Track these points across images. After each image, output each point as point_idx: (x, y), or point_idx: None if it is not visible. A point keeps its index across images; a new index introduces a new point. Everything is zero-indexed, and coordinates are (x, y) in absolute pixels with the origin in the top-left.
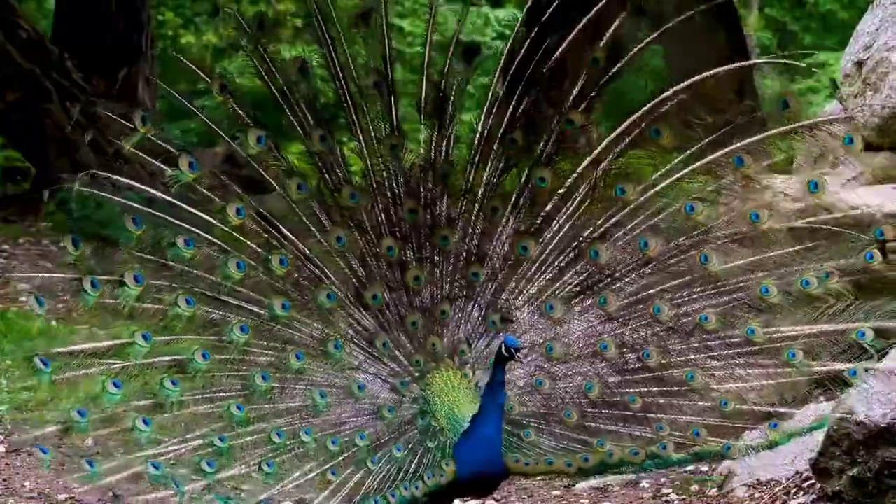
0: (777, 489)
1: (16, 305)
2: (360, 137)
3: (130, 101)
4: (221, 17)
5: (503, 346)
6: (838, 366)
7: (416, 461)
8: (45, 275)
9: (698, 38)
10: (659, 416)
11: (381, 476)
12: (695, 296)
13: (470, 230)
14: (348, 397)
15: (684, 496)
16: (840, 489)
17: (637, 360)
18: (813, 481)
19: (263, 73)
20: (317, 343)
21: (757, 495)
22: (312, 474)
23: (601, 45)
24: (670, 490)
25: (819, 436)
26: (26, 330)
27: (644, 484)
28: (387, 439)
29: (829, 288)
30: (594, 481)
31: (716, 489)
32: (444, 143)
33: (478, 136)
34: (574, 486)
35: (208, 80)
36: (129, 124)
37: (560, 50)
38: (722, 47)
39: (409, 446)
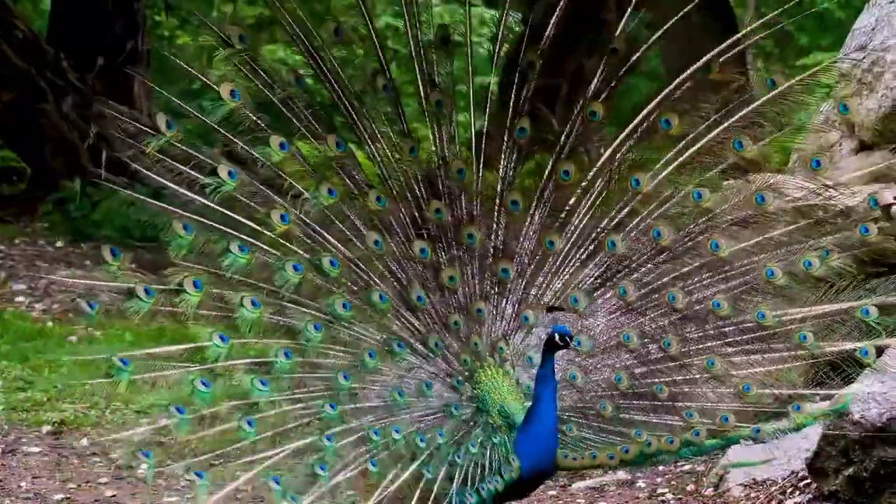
0: (773, 489)
1: (12, 306)
2: (370, 141)
3: (126, 101)
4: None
5: (555, 334)
6: (849, 345)
7: (488, 456)
8: (96, 283)
9: (694, 38)
10: (687, 403)
11: (465, 471)
12: (705, 282)
13: (495, 226)
14: (420, 396)
15: (680, 496)
16: (836, 489)
17: (659, 349)
18: (809, 481)
19: (259, 85)
20: (381, 343)
21: (753, 495)
22: (407, 473)
23: (617, 34)
24: (666, 490)
25: (815, 435)
26: (23, 330)
27: (640, 483)
28: (460, 435)
29: (830, 266)
30: (590, 481)
31: (712, 489)
32: (449, 140)
33: (484, 128)
34: (570, 485)
35: (216, 88)
36: (148, 129)
37: (550, 26)
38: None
39: (480, 441)
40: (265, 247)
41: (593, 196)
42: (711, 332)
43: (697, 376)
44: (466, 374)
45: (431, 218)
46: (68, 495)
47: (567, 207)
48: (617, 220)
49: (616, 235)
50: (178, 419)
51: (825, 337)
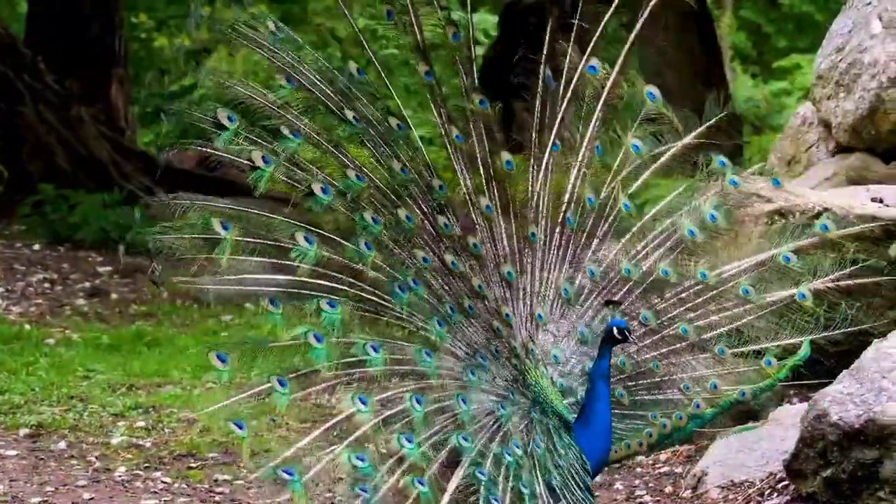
0: (751, 490)
1: None
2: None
3: (104, 103)
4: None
5: (614, 328)
6: (785, 292)
7: (570, 459)
8: (237, 397)
9: (671, 38)
10: (680, 375)
11: (569, 478)
12: (643, 252)
13: (480, 231)
14: (513, 406)
15: (658, 498)
16: (814, 490)
17: (640, 325)
18: (787, 482)
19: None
20: (471, 358)
21: (731, 496)
22: (540, 488)
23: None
24: (644, 492)
25: (793, 437)
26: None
27: (618, 486)
28: (547, 441)
29: (726, 215)
30: None
31: (689, 490)
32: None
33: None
34: None
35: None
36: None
37: None
38: (693, 47)
39: (558, 444)
40: (365, 285)
41: (539, 173)
42: (673, 300)
43: (677, 346)
44: (521, 378)
45: (443, 232)
46: (46, 498)
47: (531, 195)
48: (568, 194)
49: (569, 210)
50: (367, 496)
51: (763, 288)
